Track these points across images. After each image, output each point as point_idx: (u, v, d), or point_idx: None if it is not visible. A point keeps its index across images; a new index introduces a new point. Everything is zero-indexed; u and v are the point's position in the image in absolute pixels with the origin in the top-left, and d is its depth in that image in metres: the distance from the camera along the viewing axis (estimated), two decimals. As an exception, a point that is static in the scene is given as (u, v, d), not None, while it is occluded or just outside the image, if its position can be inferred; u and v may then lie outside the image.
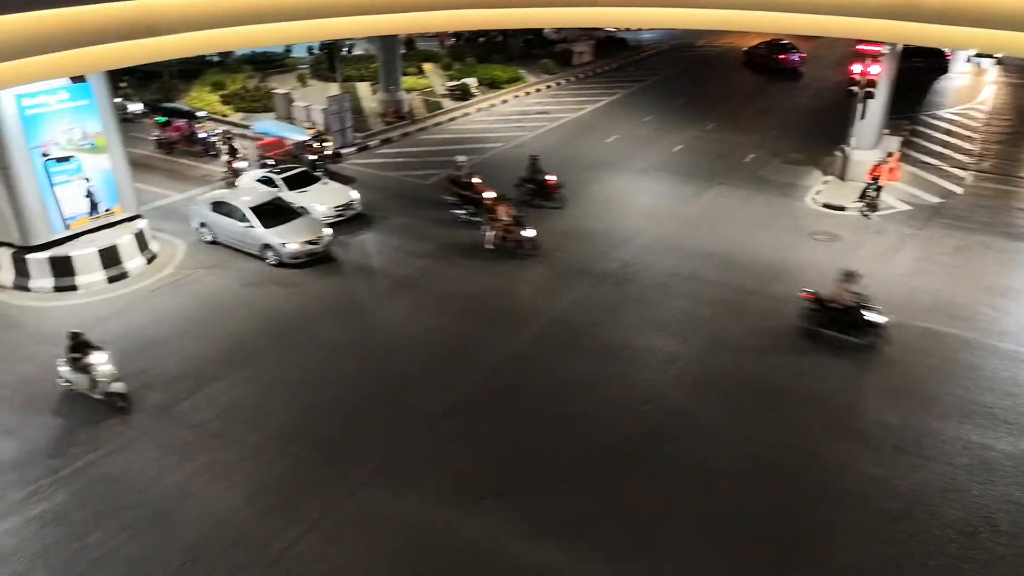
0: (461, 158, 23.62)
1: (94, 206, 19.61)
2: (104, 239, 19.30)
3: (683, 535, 11.58)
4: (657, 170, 27.30)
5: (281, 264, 19.61)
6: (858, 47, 23.54)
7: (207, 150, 28.02)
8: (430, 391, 14.97)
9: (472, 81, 37.66)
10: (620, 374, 15.47)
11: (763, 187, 25.48)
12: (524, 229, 20.30)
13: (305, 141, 26.53)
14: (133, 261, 19.59)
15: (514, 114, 35.09)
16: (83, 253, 18.81)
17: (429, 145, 30.26)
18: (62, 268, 18.63)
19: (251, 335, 16.83)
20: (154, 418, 14.09)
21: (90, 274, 18.85)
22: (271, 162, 25.91)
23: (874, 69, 23.48)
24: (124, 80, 34.43)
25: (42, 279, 18.60)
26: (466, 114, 34.81)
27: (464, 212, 22.40)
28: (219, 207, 20.79)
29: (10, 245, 18.75)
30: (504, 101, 37.20)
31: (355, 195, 23.10)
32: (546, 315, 17.70)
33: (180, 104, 32.83)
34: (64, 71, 16.08)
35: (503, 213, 20.40)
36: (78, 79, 18.39)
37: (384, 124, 32.46)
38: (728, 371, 15.57)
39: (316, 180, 23.67)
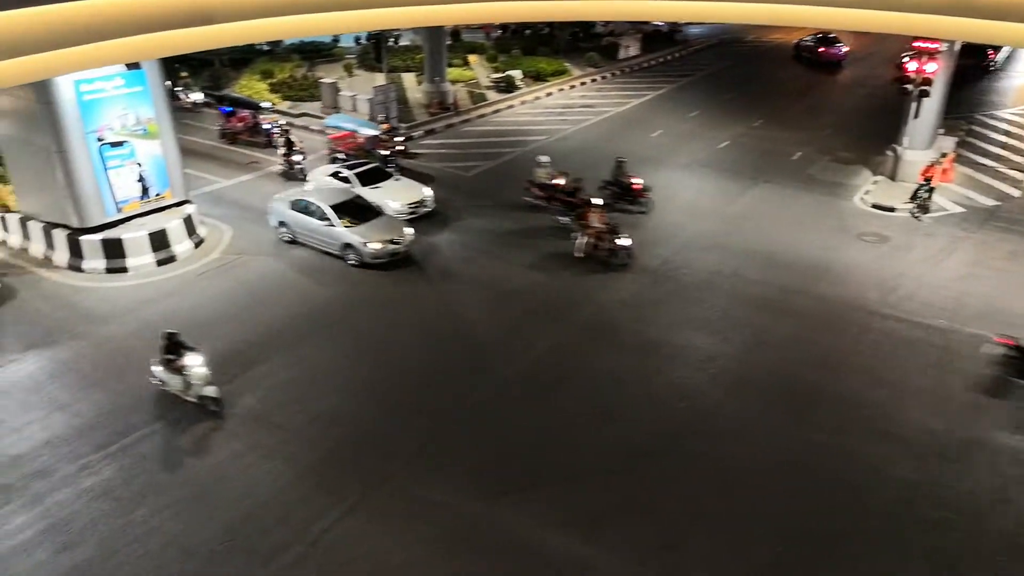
0: (544, 158, 22.87)
1: (145, 190, 20.10)
2: (154, 223, 19.79)
3: (710, 534, 11.49)
4: (701, 166, 26.99)
5: (363, 264, 19.27)
6: (914, 44, 22.95)
7: (269, 141, 28.00)
8: (469, 382, 15.07)
9: (517, 73, 37.63)
10: (657, 370, 15.38)
11: (810, 186, 25.03)
12: (619, 237, 19.20)
13: (377, 136, 26.24)
14: (181, 245, 20.03)
15: (558, 107, 34.98)
16: (134, 236, 19.30)
17: (472, 137, 30.34)
18: (114, 250, 19.15)
19: (295, 320, 17.10)
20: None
21: (140, 257, 19.34)
22: (342, 156, 26.01)
23: (930, 67, 22.86)
24: (184, 70, 34.96)
25: (95, 260, 19.14)
26: (510, 106, 34.80)
27: (557, 215, 21.38)
28: (298, 205, 20.39)
29: (65, 227, 19.32)
30: (548, 94, 37.09)
31: (428, 192, 22.77)
32: (586, 309, 17.66)
33: (240, 94, 33.09)
34: (121, 58, 16.42)
35: (596, 219, 19.30)
36: (133, 66, 18.84)
37: (428, 115, 32.62)
38: (768, 371, 15.37)
39: (388, 176, 23.31)
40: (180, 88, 33.44)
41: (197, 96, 33.83)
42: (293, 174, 25.06)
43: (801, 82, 40.10)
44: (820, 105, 35.35)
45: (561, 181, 21.97)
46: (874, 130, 29.04)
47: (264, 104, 30.47)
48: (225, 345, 16.07)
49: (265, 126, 28.50)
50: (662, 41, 49.01)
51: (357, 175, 22.69)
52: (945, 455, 13.00)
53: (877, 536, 11.39)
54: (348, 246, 19.44)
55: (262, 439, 13.38)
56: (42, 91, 17.66)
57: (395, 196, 22.11)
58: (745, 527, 11.60)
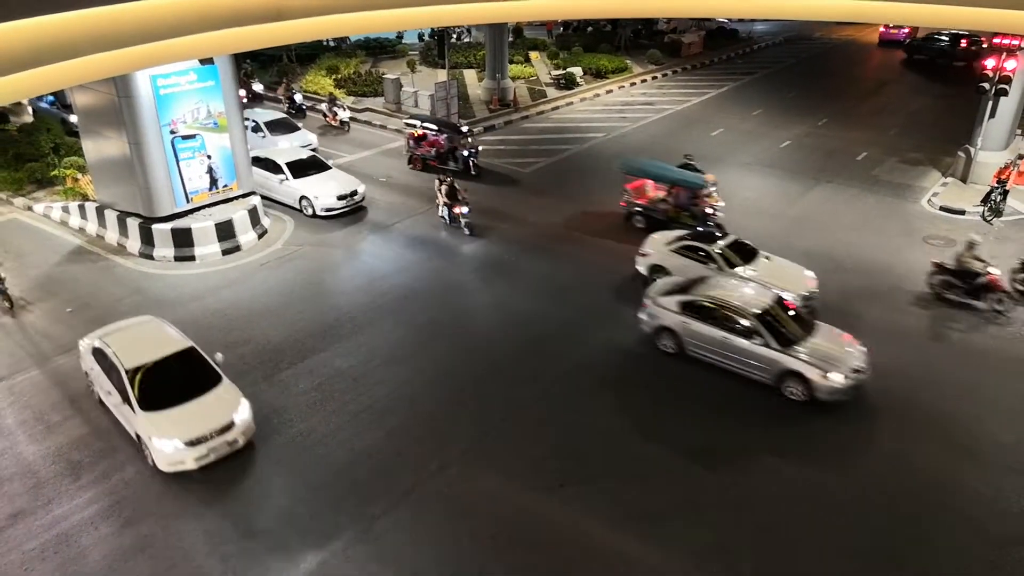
0: (976, 237, 17.98)
1: (214, 182, 20.78)
2: (220, 213, 20.46)
3: (766, 540, 11.35)
4: (762, 166, 26.53)
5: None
6: (994, 40, 22.11)
7: (469, 169, 25.29)
8: (524, 375, 15.18)
9: (577, 70, 37.56)
10: (705, 380, 15.21)
11: (875, 187, 24.36)
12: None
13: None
14: (246, 236, 20.67)
15: (618, 104, 34.79)
16: (202, 226, 19.99)
17: (531, 133, 30.42)
18: (182, 239, 19.88)
19: (353, 310, 17.48)
20: (257, 387, 14.87)
21: (207, 246, 20.02)
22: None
23: (1010, 64, 21.98)
24: (250, 65, 35.83)
25: (164, 248, 19.90)
26: (569, 103, 34.77)
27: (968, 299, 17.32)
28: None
29: (138, 216, 20.13)
30: (609, 91, 36.93)
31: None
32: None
33: (437, 116, 28.81)
34: (196, 53, 17.02)
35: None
36: (206, 61, 19.49)
37: (488, 111, 32.84)
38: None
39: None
40: (295, 94, 32.87)
41: (343, 115, 32.35)
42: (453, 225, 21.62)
43: (869, 80, 39.00)
44: (889, 104, 34.34)
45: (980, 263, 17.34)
46: (945, 130, 28.11)
47: (465, 127, 26.34)
48: (285, 333, 16.53)
49: (463, 153, 25.38)
50: (725, 38, 48.25)
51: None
52: (1015, 468, 12.57)
53: (946, 553, 11.09)
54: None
55: (317, 426, 13.75)
56: (122, 86, 18.43)
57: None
58: (807, 534, 11.42)
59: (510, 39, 37.66)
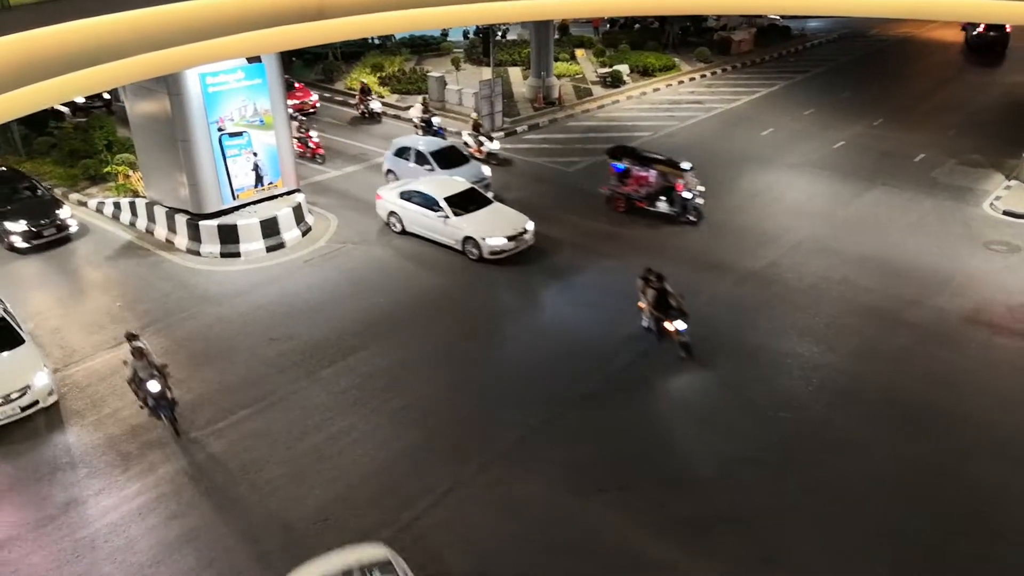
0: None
1: (259, 179, 21.00)
2: (265, 211, 20.66)
3: (811, 553, 10.97)
4: (814, 167, 25.85)
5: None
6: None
7: (686, 215, 21.18)
8: (565, 379, 14.97)
9: (624, 68, 37.13)
10: (757, 378, 14.84)
11: (933, 190, 23.53)
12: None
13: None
14: (290, 233, 20.84)
15: (665, 103, 34.29)
16: (247, 223, 20.22)
17: (576, 132, 30.15)
18: (228, 236, 20.12)
19: (394, 309, 17.49)
20: (299, 383, 14.96)
21: (252, 243, 20.24)
22: None
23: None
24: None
25: (211, 245, 20.17)
26: (615, 101, 34.39)
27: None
28: None
29: (186, 212, 20.45)
30: (656, 89, 36.43)
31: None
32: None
33: (647, 150, 23.00)
34: (243, 51, 17.28)
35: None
36: (253, 59, 19.70)
37: (533, 109, 32.66)
38: (878, 384, 14.55)
39: None
40: (429, 116, 29.08)
41: (375, 106, 32.09)
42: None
43: (927, 79, 37.79)
44: (948, 104, 33.17)
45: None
46: (1008, 132, 27.03)
47: (685, 165, 21.07)
48: (326, 331, 16.60)
49: (686, 195, 20.91)
50: (777, 36, 47.23)
51: None
52: None
53: (1012, 564, 10.61)
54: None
55: (358, 423, 13.75)
56: (173, 83, 18.72)
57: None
58: (853, 546, 11.02)
59: (556, 36, 37.39)
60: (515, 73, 38.24)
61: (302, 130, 27.05)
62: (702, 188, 21.20)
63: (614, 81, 36.16)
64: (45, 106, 16.41)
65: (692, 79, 38.36)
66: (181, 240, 20.59)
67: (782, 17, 48.41)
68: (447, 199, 19.99)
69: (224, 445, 13.31)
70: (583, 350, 15.90)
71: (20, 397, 13.65)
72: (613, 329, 16.55)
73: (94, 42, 12.84)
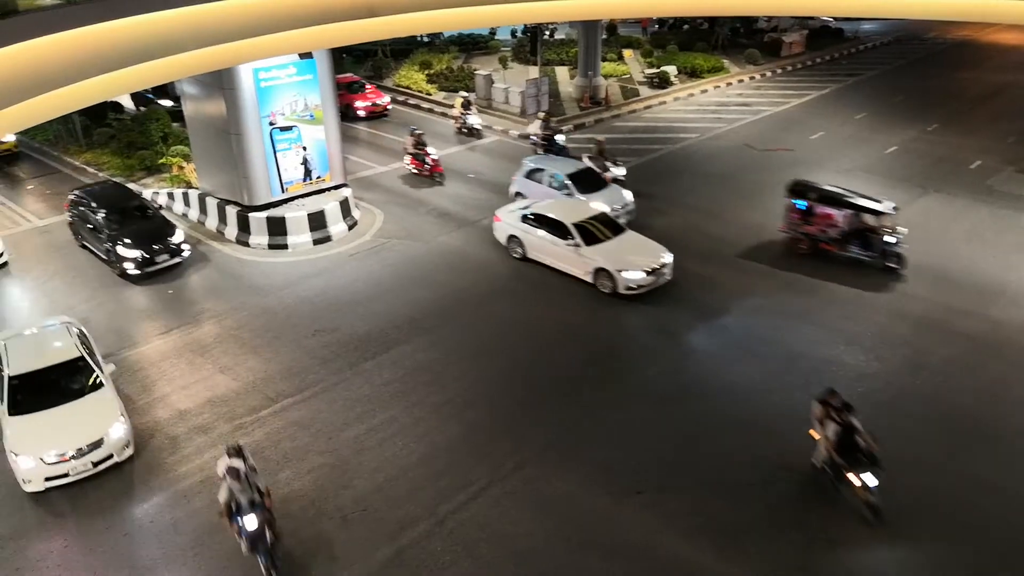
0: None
1: (308, 173, 21.36)
2: (313, 204, 21.00)
3: (856, 562, 10.80)
4: (864, 172, 25.33)
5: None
6: None
7: (885, 262, 18.35)
8: (604, 380, 14.97)
9: (672, 69, 36.83)
10: (800, 385, 14.58)
11: (989, 198, 22.88)
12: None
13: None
14: (336, 226, 21.15)
15: (712, 105, 33.93)
16: (295, 215, 20.58)
17: (621, 132, 30.01)
18: (277, 228, 20.51)
19: (437, 304, 17.65)
20: (342, 375, 15.19)
21: (299, 235, 20.60)
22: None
23: None
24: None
25: (259, 236, 20.59)
26: (662, 102, 34.14)
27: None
28: None
29: (236, 204, 20.90)
30: (704, 91, 36.06)
31: None
32: (727, 317, 17.09)
33: (835, 186, 19.78)
34: (295, 47, 17.59)
35: None
36: (305, 55, 20.03)
37: (579, 109, 32.60)
38: (925, 396, 14.25)
39: None
40: (555, 134, 26.40)
41: (474, 120, 29.67)
42: None
43: (986, 84, 36.71)
44: (1007, 110, 32.20)
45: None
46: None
47: (885, 205, 18.29)
48: (370, 324, 16.83)
49: (885, 239, 18.23)
50: (830, 38, 46.36)
51: None
52: None
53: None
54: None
55: (398, 416, 13.92)
56: (227, 78, 19.15)
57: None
58: (896, 560, 10.83)
59: (604, 36, 37.24)
60: (562, 72, 38.21)
61: (419, 146, 24.96)
62: (904, 231, 18.47)
63: (661, 82, 35.90)
64: (106, 98, 16.91)
65: (741, 81, 37.88)
66: (231, 231, 21.05)
67: (835, 19, 47.50)
68: (577, 225, 18.24)
69: (267, 433, 13.60)
70: (621, 352, 15.86)
71: (92, 451, 12.37)
72: (652, 329, 16.44)
73: (152, 37, 13.23)
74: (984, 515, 11.53)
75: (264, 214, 20.55)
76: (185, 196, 22.70)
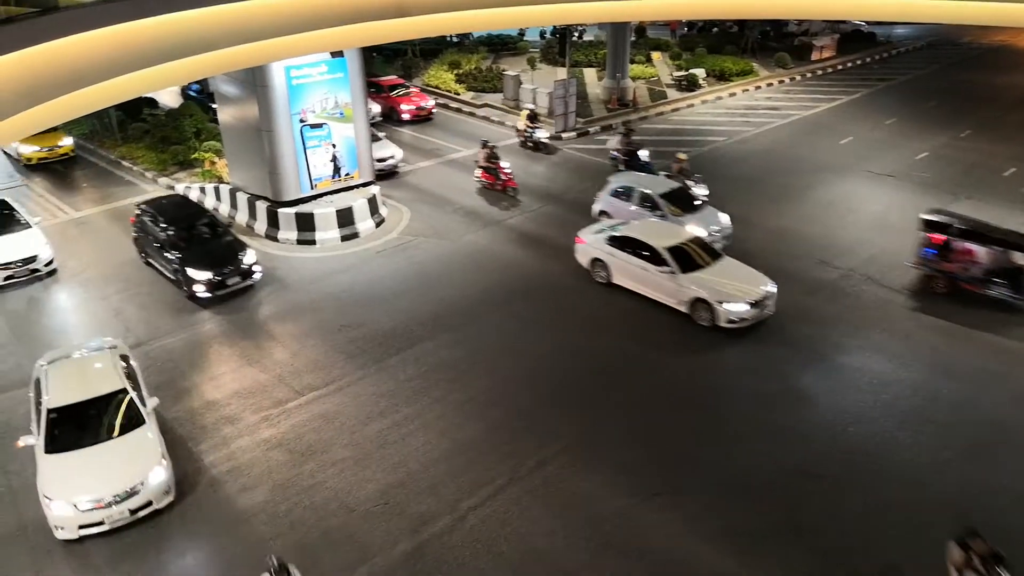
0: None
1: (337, 170, 21.60)
2: (341, 201, 21.25)
3: (877, 571, 10.74)
4: (894, 177, 25.08)
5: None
6: None
7: None
8: (628, 380, 15.02)
9: (700, 72, 36.70)
10: (826, 390, 14.56)
11: (1023, 206, 22.55)
12: None
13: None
14: (364, 223, 21.38)
15: (741, 108, 33.77)
16: (324, 212, 20.84)
17: (648, 135, 29.92)
18: (305, 223, 20.78)
19: (462, 302, 17.79)
20: (367, 370, 15.38)
21: (327, 231, 20.85)
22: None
23: None
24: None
25: (288, 231, 20.87)
26: (690, 105, 34.04)
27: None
28: None
29: (266, 199, 21.20)
30: (732, 94, 35.89)
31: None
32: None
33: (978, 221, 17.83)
34: (327, 46, 17.82)
35: None
36: (336, 54, 20.28)
37: (606, 110, 32.61)
38: (952, 404, 14.11)
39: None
40: (633, 141, 25.33)
41: (541, 134, 27.85)
42: None
43: (1021, 89, 36.14)
44: (1043, 117, 31.69)
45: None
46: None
47: None
48: (395, 320, 17.01)
49: None
50: (862, 42, 45.89)
51: None
52: None
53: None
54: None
55: (422, 411, 14.07)
56: (260, 75, 19.45)
57: None
58: (917, 571, 10.77)
59: (632, 38, 37.20)
60: (590, 74, 38.22)
61: (492, 159, 23.99)
62: None
63: (689, 85, 35.79)
64: (141, 94, 17.26)
65: (770, 84, 37.64)
66: (260, 226, 21.36)
67: (867, 23, 47.00)
68: (672, 250, 16.91)
69: (292, 425, 13.81)
70: (645, 354, 15.88)
71: (129, 498, 11.41)
72: (677, 335, 16.47)
73: (187, 35, 13.51)
74: None
75: (293, 210, 20.82)
76: (216, 191, 23.07)
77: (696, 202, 20.38)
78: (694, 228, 18.54)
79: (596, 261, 18.35)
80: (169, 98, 33.77)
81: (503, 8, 17.64)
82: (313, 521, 11.68)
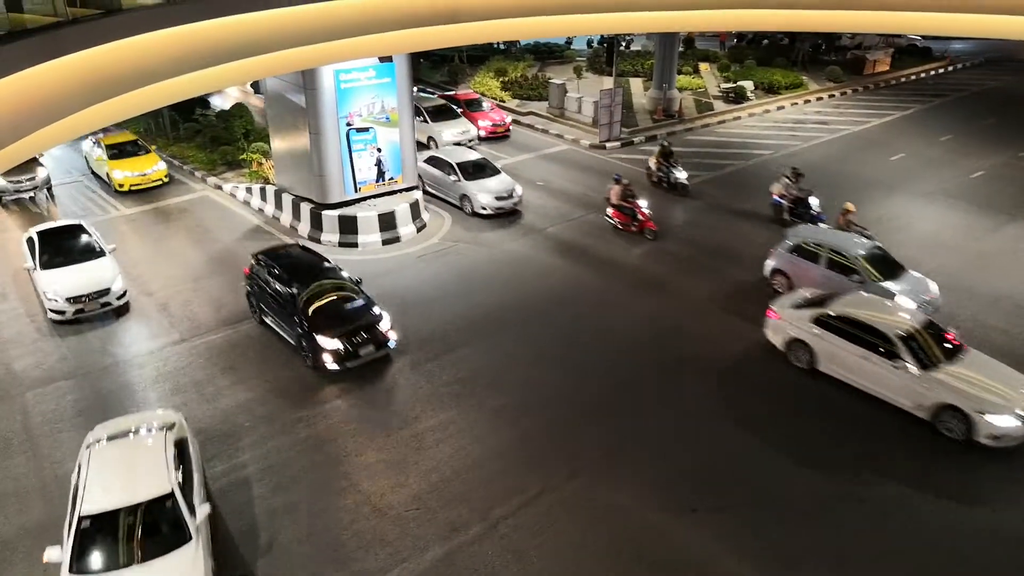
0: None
1: (381, 174, 21.79)
2: (384, 205, 21.41)
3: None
4: (948, 196, 24.42)
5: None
6: None
7: None
8: (664, 391, 14.86)
9: (748, 84, 36.25)
10: (870, 417, 14.17)
11: (1083, 229, 21.76)
12: None
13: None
14: (405, 228, 21.52)
15: (789, 121, 33.23)
16: (366, 215, 21.03)
17: (693, 146, 29.66)
18: (348, 226, 20.99)
19: (499, 310, 17.77)
20: (404, 374, 15.44)
21: (369, 235, 21.03)
22: None
23: None
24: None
25: (331, 234, 21.10)
26: (737, 118, 33.61)
27: None
28: None
29: (311, 201, 21.47)
30: (780, 108, 35.36)
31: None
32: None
33: None
34: (377, 50, 18.03)
35: None
36: (385, 59, 20.48)
37: (652, 121, 32.38)
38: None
39: None
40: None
41: (680, 174, 24.40)
42: None
43: (1085, 110, 34.95)
44: (1107, 138, 30.56)
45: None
46: None
47: None
48: (433, 325, 17.05)
49: None
50: (917, 56, 44.87)
51: None
52: None
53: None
54: None
55: (456, 417, 14.06)
56: (309, 78, 19.73)
57: None
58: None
59: (680, 49, 36.92)
60: (636, 84, 38.02)
61: (627, 198, 21.61)
62: None
63: (737, 97, 35.36)
64: (196, 94, 17.59)
65: (819, 99, 37.00)
66: (304, 227, 21.63)
67: (923, 38, 45.94)
68: (904, 338, 13.80)
69: (329, 426, 13.92)
70: (683, 363, 15.62)
71: None
72: (712, 345, 16.20)
73: (242, 37, 13.77)
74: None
75: (336, 212, 21.05)
76: (262, 191, 23.45)
77: (899, 266, 17.24)
78: (902, 299, 15.94)
79: (796, 343, 15.20)
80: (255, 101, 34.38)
81: (553, 16, 17.65)
82: (345, 523, 11.73)
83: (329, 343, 14.96)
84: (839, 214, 20.02)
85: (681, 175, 24.44)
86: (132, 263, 20.23)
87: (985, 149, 28.82)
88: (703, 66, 41.06)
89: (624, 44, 43.83)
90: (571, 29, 22.59)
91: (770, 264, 18.49)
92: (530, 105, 34.43)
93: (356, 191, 21.48)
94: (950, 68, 43.90)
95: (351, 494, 12.33)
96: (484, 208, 22.47)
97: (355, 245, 20.95)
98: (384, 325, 15.68)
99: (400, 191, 22.17)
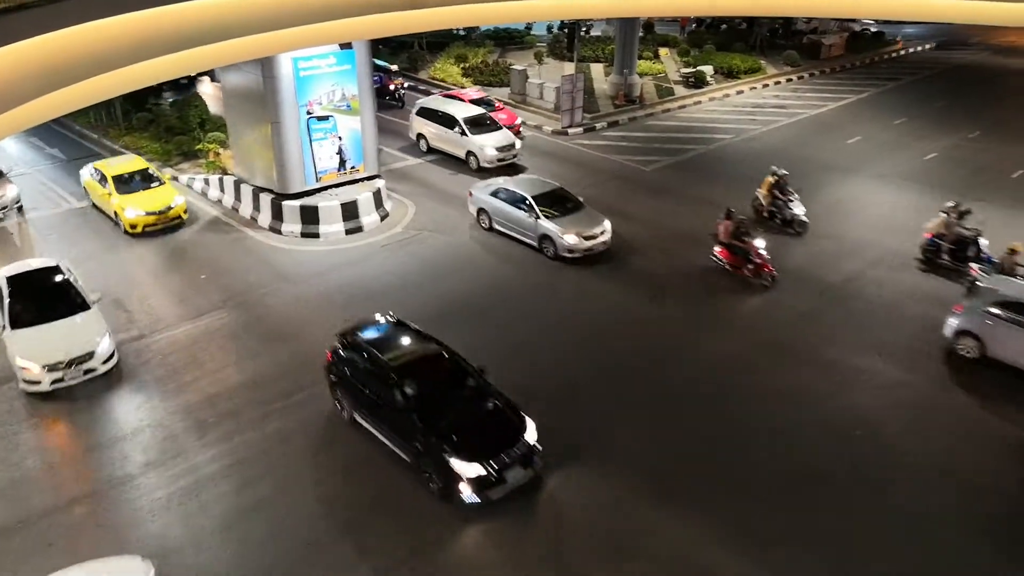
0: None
1: (342, 163, 21.49)
2: (346, 194, 21.13)
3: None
4: (901, 178, 24.94)
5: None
6: None
7: None
8: (639, 382, 14.89)
9: (708, 69, 36.51)
10: (832, 393, 14.46)
11: (1031, 209, 22.40)
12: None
13: None
14: (368, 217, 21.27)
15: (748, 106, 33.59)
16: (328, 205, 20.73)
17: (655, 131, 29.83)
18: (309, 216, 20.68)
19: (468, 298, 17.70)
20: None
21: (331, 225, 20.75)
22: None
23: None
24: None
25: (292, 224, 20.77)
26: (697, 102, 33.86)
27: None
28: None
29: (270, 191, 21.10)
30: (739, 92, 35.71)
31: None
32: (760, 321, 16.94)
33: None
34: (337, 37, 17.69)
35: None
36: (345, 46, 20.14)
37: (613, 107, 32.44)
38: (958, 412, 14.02)
39: None
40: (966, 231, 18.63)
41: (798, 209, 20.59)
42: None
43: (1032, 92, 35.97)
44: (1053, 119, 31.50)
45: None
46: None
47: None
48: (400, 314, 16.80)
49: None
50: (870, 41, 45.65)
51: None
52: None
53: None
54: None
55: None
56: (267, 66, 19.32)
57: None
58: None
59: (641, 34, 36.99)
60: (597, 69, 38.03)
61: (739, 236, 18.16)
62: None
63: (697, 82, 35.61)
64: (151, 83, 17.07)
65: (778, 83, 37.46)
66: (264, 218, 21.26)
67: (876, 22, 46.77)
68: None
69: (295, 420, 13.72)
70: (657, 356, 15.73)
71: None
72: (686, 336, 16.38)
73: (198, 24, 13.38)
74: None
75: (298, 202, 20.72)
76: (220, 182, 22.96)
77: None
78: None
79: None
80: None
81: (514, 1, 17.51)
82: (318, 515, 11.61)
83: (467, 468, 11.34)
84: (1004, 254, 16.86)
85: (799, 210, 20.63)
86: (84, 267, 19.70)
87: (937, 132, 29.49)
88: (663, 51, 41.27)
89: (584, 29, 43.78)
90: (531, 14, 22.50)
91: (954, 323, 15.31)
92: (491, 92, 34.20)
93: (317, 181, 21.16)
94: (902, 52, 44.77)
95: (321, 488, 12.17)
96: (571, 252, 18.99)
97: (317, 236, 20.66)
98: (531, 435, 11.99)
99: (362, 180, 21.89)
